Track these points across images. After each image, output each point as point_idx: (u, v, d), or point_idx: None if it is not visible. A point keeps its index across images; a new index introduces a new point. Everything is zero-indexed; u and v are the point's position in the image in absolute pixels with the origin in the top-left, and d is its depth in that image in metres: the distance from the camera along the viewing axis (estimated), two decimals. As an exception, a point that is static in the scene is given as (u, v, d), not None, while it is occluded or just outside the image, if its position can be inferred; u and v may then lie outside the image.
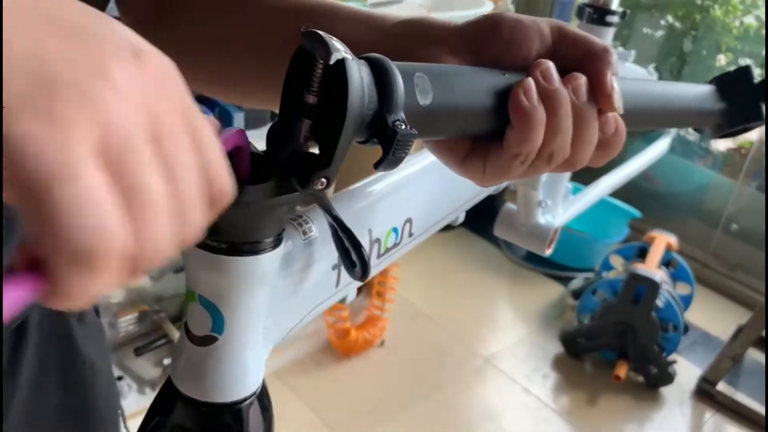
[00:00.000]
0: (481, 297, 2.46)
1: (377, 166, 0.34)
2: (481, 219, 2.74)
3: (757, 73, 0.50)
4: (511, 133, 0.36)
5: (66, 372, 0.63)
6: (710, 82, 0.51)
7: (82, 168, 0.20)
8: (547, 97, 0.36)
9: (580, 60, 0.38)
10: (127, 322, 1.81)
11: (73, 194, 0.20)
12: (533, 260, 2.63)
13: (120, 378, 1.72)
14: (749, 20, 2.64)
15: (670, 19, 2.83)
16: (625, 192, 2.56)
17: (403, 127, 0.32)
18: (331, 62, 0.30)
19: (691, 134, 2.81)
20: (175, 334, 1.82)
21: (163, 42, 0.54)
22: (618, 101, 0.38)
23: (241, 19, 0.50)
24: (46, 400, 0.62)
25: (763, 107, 0.50)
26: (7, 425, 0.58)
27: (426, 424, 1.90)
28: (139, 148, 0.22)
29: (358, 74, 0.31)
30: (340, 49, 0.31)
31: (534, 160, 0.38)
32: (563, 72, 0.37)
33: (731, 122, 0.50)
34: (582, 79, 0.37)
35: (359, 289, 2.20)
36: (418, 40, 0.40)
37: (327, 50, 0.30)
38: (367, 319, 2.10)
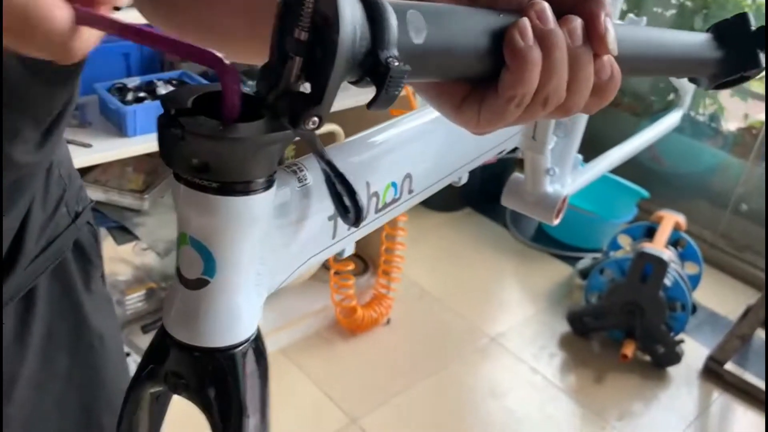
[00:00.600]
0: (488, 277, 2.46)
1: (370, 105, 0.33)
2: (488, 199, 2.74)
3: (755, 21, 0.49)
4: (507, 74, 0.36)
5: (74, 343, 0.63)
6: (707, 31, 0.50)
7: None
8: (542, 37, 0.35)
9: (574, 2, 0.37)
10: (134, 300, 1.82)
11: None
12: (540, 240, 2.62)
13: (127, 354, 1.73)
14: (761, -3, 2.60)
15: (680, -4, 2.80)
16: (633, 172, 2.56)
17: (396, 63, 0.31)
18: None
19: (701, 115, 2.78)
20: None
21: None
22: (612, 43, 0.37)
23: None
24: (55, 370, 0.62)
25: (762, 55, 0.48)
26: (16, 395, 0.58)
27: (431, 401, 1.91)
28: None
29: (350, 8, 0.31)
30: None
31: (529, 103, 0.37)
32: (557, 15, 0.37)
33: (728, 71, 0.49)
34: (577, 21, 0.37)
35: (365, 268, 2.20)
36: None
37: None
38: (373, 297, 2.09)
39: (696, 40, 0.48)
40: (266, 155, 0.34)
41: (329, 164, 0.36)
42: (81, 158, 1.37)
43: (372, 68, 0.32)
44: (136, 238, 1.66)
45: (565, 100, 0.38)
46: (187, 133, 0.31)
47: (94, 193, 1.67)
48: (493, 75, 0.37)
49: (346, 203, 0.37)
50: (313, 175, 0.42)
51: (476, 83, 0.38)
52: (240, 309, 0.37)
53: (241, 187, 0.34)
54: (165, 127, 0.32)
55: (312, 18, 0.31)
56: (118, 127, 1.45)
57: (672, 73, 0.50)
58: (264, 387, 0.39)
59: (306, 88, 0.33)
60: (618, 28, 0.39)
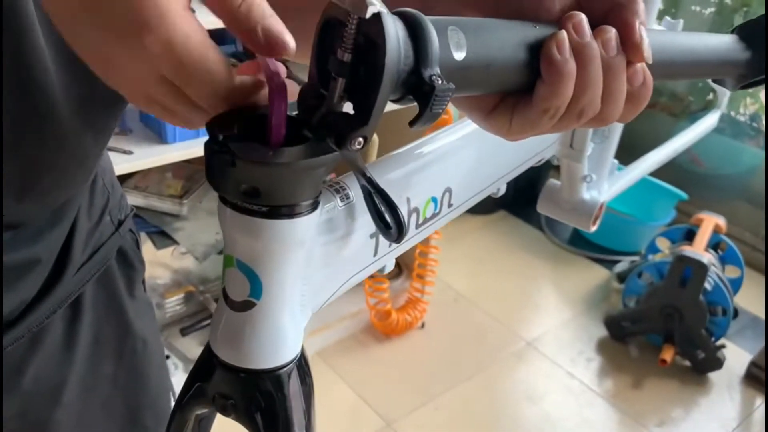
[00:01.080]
0: (524, 280, 2.44)
1: (413, 123, 0.33)
2: (523, 202, 2.71)
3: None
4: (542, 86, 0.36)
5: (119, 348, 0.65)
6: (732, 32, 0.49)
7: None
8: (578, 50, 0.35)
9: (607, 11, 0.37)
10: (173, 303, 1.84)
11: None
12: (577, 243, 2.59)
13: (167, 357, 1.76)
14: (805, -6, 2.53)
15: (720, -5, 2.74)
16: (671, 174, 2.51)
17: (440, 81, 0.31)
18: (367, 16, 0.30)
19: (741, 114, 2.72)
20: (219, 314, 1.85)
21: None
22: (647, 51, 0.37)
23: None
24: (101, 374, 0.63)
25: None
26: (65, 399, 0.59)
27: (467, 406, 1.90)
28: None
29: (394, 29, 0.31)
30: (375, 4, 0.30)
31: (564, 114, 0.37)
32: (591, 24, 0.37)
33: (754, 71, 0.49)
34: (612, 32, 0.36)
35: (399, 272, 2.20)
36: None
37: (362, 4, 0.30)
38: (407, 301, 2.09)
39: (721, 42, 0.48)
40: (312, 178, 0.34)
41: (370, 181, 0.37)
42: (122, 165, 1.40)
43: (416, 86, 0.32)
44: (175, 242, 1.69)
45: (601, 110, 0.38)
46: (237, 159, 0.32)
47: (135, 199, 1.71)
48: (527, 85, 0.37)
49: (388, 220, 0.37)
50: (355, 193, 0.42)
51: (509, 92, 0.38)
52: (285, 330, 0.37)
53: (287, 210, 0.34)
54: (214, 153, 0.32)
55: (355, 39, 0.31)
56: (158, 134, 1.48)
57: (699, 76, 0.50)
58: (309, 405, 0.40)
59: (348, 108, 0.34)
60: (649, 35, 0.39)
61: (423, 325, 2.13)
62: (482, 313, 2.24)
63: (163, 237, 1.70)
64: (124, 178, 1.68)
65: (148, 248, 1.72)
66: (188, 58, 0.30)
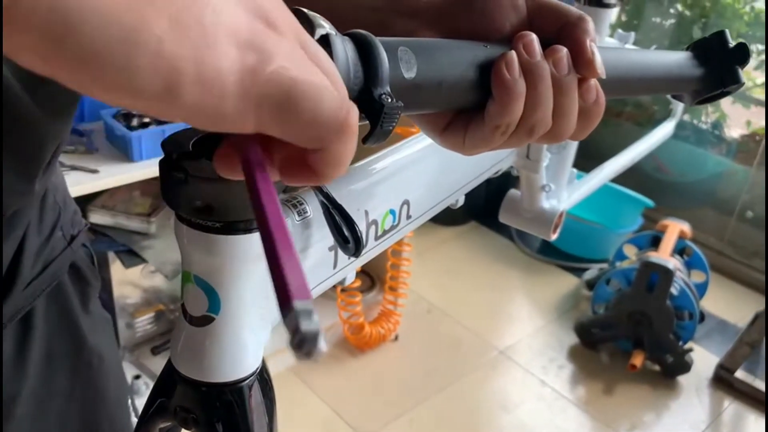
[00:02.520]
0: (495, 290, 2.46)
1: (365, 140, 0.34)
2: (493, 213, 2.73)
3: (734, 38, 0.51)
4: (492, 105, 0.37)
5: (74, 362, 0.65)
6: (687, 48, 0.51)
7: None
8: (528, 70, 0.36)
9: (558, 30, 0.38)
10: (144, 322, 1.83)
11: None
12: (547, 252, 2.62)
13: (137, 377, 1.74)
14: (759, 5, 2.61)
15: (679, 7, 2.81)
16: (638, 182, 2.56)
17: (390, 100, 0.33)
18: (315, 38, 0.31)
19: (703, 122, 2.79)
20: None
21: None
22: (600, 67, 0.38)
23: None
24: (55, 388, 0.63)
25: (740, 70, 0.50)
26: (18, 412, 0.59)
27: (442, 417, 1.91)
28: None
29: (343, 50, 0.32)
30: (324, 26, 0.31)
31: (515, 131, 0.38)
32: (542, 43, 0.38)
33: (709, 87, 0.50)
34: (563, 52, 0.37)
35: (372, 284, 2.21)
36: (393, 14, 0.40)
37: (311, 26, 0.31)
38: (380, 314, 2.10)
39: (676, 58, 0.49)
40: None
41: (327, 197, 0.38)
42: (88, 184, 1.39)
43: (367, 105, 0.33)
44: (143, 261, 1.68)
45: (552, 127, 0.39)
46: (189, 176, 0.33)
47: (102, 218, 1.69)
48: (479, 103, 0.38)
49: (346, 234, 0.38)
50: (313, 207, 0.43)
51: (462, 109, 0.39)
52: (245, 344, 0.38)
53: (242, 226, 0.35)
54: (168, 171, 0.33)
55: None
56: (124, 153, 1.47)
57: (655, 92, 0.52)
58: (271, 415, 0.40)
59: None
60: (601, 51, 0.40)
61: (396, 338, 2.14)
62: (455, 323, 2.25)
63: (131, 256, 1.69)
64: (91, 198, 1.67)
65: (116, 267, 1.71)
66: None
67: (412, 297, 2.19)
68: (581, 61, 0.37)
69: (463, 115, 0.39)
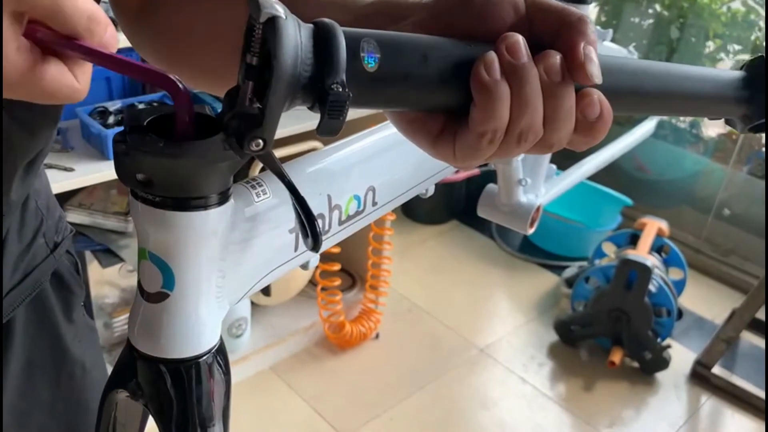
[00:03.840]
0: (476, 288, 2.47)
1: (317, 130, 0.34)
2: (474, 211, 2.75)
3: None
4: (474, 110, 0.35)
5: (55, 373, 0.63)
6: (741, 68, 0.46)
7: None
8: (511, 72, 0.34)
9: (556, 32, 0.36)
10: (121, 322, 1.82)
11: None
12: (527, 250, 2.63)
13: (115, 377, 1.72)
14: (736, 5, 2.65)
15: (657, 7, 2.84)
16: (616, 180, 2.58)
17: (339, 89, 0.32)
18: (261, 20, 0.31)
19: (682, 121, 2.82)
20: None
21: (152, 37, 0.54)
22: (593, 72, 0.35)
23: (213, 8, 0.50)
24: (37, 399, 0.62)
25: None
26: None
27: (423, 415, 1.91)
28: None
29: (293, 33, 0.31)
30: (274, 8, 0.31)
31: (504, 139, 0.36)
32: (540, 46, 0.36)
33: (762, 113, 0.45)
34: (556, 57, 0.35)
35: (353, 283, 2.21)
36: (387, 18, 0.39)
37: (257, 8, 0.31)
38: (361, 312, 2.10)
39: (722, 77, 0.44)
40: (216, 172, 0.35)
41: (289, 186, 0.37)
42: (64, 182, 1.38)
43: (317, 93, 0.32)
44: (121, 260, 1.67)
45: (545, 137, 0.37)
46: (130, 148, 0.33)
47: (79, 217, 1.68)
48: (465, 108, 0.36)
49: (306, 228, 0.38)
50: (272, 189, 0.43)
51: (450, 117, 0.37)
52: (201, 321, 0.38)
53: (194, 203, 0.35)
54: (114, 142, 0.34)
55: (261, 43, 0.32)
56: (100, 151, 1.46)
57: (696, 113, 0.46)
58: (227, 396, 0.41)
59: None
60: (617, 60, 0.38)
61: (377, 336, 2.14)
62: (436, 321, 2.26)
63: (109, 255, 1.68)
64: (67, 196, 1.66)
65: (94, 267, 1.70)
66: None
67: (393, 295, 2.19)
68: (573, 66, 0.35)
69: (452, 124, 0.37)
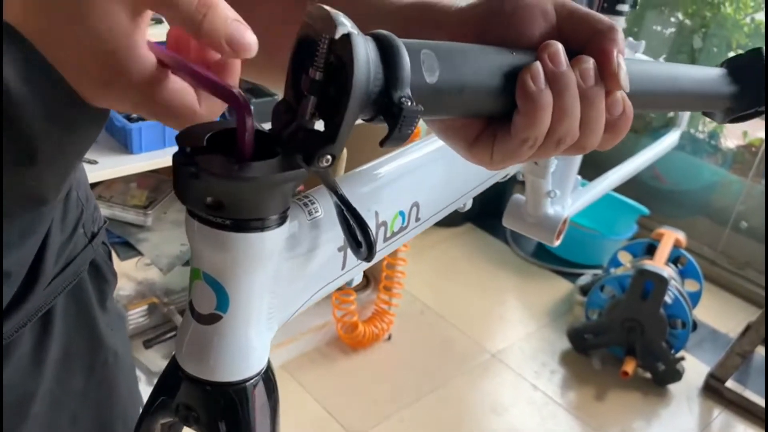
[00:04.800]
0: (489, 293, 2.46)
1: (383, 143, 0.33)
2: (489, 215, 2.73)
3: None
4: (518, 117, 0.36)
5: (90, 360, 0.64)
6: (721, 65, 0.50)
7: None
8: (554, 80, 0.36)
9: (587, 39, 0.37)
10: (136, 315, 1.82)
11: None
12: (541, 257, 2.62)
13: (128, 370, 1.73)
14: (760, 17, 2.62)
15: (680, 16, 2.81)
16: (634, 189, 2.57)
17: (409, 103, 0.32)
18: (336, 36, 0.30)
19: (700, 132, 2.79)
20: (183, 326, 1.82)
21: None
22: (624, 80, 0.37)
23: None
24: (71, 387, 0.62)
25: None
26: (33, 412, 0.58)
27: (433, 417, 1.90)
28: None
29: (364, 49, 0.31)
30: (346, 24, 0.30)
31: (542, 144, 0.37)
32: (569, 52, 0.37)
33: (742, 105, 0.49)
34: (590, 62, 0.37)
35: (366, 284, 2.20)
36: (419, 24, 0.40)
37: (332, 25, 0.30)
38: (374, 313, 2.10)
39: (709, 74, 0.48)
40: (280, 193, 0.34)
41: (342, 199, 0.37)
42: (87, 174, 1.38)
43: (386, 108, 0.32)
44: (139, 253, 1.67)
45: (580, 139, 0.38)
46: (201, 171, 0.32)
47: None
48: (506, 113, 0.37)
49: (359, 238, 0.37)
50: (324, 207, 0.43)
51: (489, 121, 0.38)
52: (252, 343, 0.37)
53: (255, 224, 0.34)
54: (180, 165, 0.33)
55: (326, 58, 0.32)
56: (124, 144, 1.46)
57: (686, 108, 0.51)
58: (274, 418, 0.40)
59: (320, 126, 0.34)
60: (631, 64, 0.39)
61: (390, 337, 2.13)
62: (448, 325, 2.25)
63: (127, 248, 1.68)
64: (87, 188, 1.66)
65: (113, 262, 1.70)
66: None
67: (406, 297, 2.19)
68: (607, 73, 0.37)
69: (490, 128, 0.38)
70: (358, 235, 0.37)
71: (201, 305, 0.36)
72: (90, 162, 1.40)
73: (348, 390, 1.95)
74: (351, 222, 0.37)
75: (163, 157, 1.46)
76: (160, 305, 1.84)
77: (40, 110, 0.34)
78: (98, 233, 0.63)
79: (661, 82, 0.44)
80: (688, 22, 2.79)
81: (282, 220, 0.36)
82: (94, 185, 1.67)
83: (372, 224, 0.47)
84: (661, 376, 2.07)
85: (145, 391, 0.45)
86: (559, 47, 0.36)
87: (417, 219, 0.53)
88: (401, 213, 0.51)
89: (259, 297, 0.37)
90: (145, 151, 1.45)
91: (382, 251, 0.50)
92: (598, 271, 2.43)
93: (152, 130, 1.45)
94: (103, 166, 1.41)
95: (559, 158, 0.93)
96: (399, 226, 0.51)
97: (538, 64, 0.36)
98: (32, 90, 0.33)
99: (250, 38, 0.33)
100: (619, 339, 2.08)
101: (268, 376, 0.40)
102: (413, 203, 0.52)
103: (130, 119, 1.46)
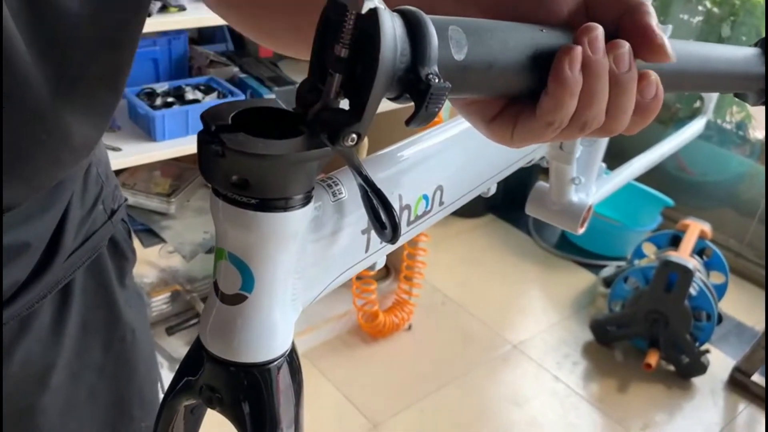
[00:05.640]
0: (511, 284, 2.45)
1: (409, 122, 0.33)
2: (511, 206, 2.72)
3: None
4: (546, 99, 0.35)
5: (108, 335, 0.65)
6: (755, 44, 0.49)
7: None
8: (588, 65, 0.35)
9: (617, 17, 0.36)
10: (159, 302, 1.83)
11: None
12: (564, 248, 2.60)
13: (151, 356, 1.74)
14: (791, 4, 2.56)
15: (708, 4, 2.76)
16: (658, 180, 2.53)
17: (437, 80, 0.31)
18: (363, 11, 0.30)
19: (728, 122, 2.75)
20: (206, 314, 1.84)
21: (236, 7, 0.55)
22: (671, 51, 0.36)
23: None
24: (89, 361, 0.64)
25: None
26: (53, 383, 0.60)
27: (453, 408, 1.90)
28: None
29: (391, 25, 0.30)
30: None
31: (567, 126, 0.36)
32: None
33: None
34: (626, 48, 0.35)
35: (387, 273, 2.20)
36: (451, 1, 0.39)
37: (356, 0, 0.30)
38: (394, 303, 2.10)
39: (743, 54, 0.47)
40: (305, 172, 0.34)
41: (367, 180, 0.36)
42: (111, 161, 1.39)
43: (412, 85, 0.32)
44: (162, 240, 1.68)
45: (606, 123, 0.37)
46: (227, 149, 0.32)
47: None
48: (532, 93, 0.36)
49: (383, 220, 0.37)
50: (348, 188, 0.42)
51: (512, 100, 0.37)
52: (276, 324, 0.37)
53: (280, 204, 0.34)
54: (205, 143, 0.32)
55: (352, 34, 0.31)
56: (147, 132, 1.47)
57: (718, 89, 0.49)
58: (299, 401, 0.40)
59: (345, 104, 0.33)
60: None
61: (410, 327, 2.13)
62: (469, 315, 2.24)
63: (150, 235, 1.69)
64: (111, 176, 1.67)
65: (135, 246, 1.71)
66: None
67: (426, 287, 2.18)
68: (651, 47, 0.35)
69: (513, 106, 0.37)
70: (382, 216, 0.36)
71: (226, 285, 0.36)
72: (114, 149, 1.41)
73: (368, 379, 1.96)
74: (375, 203, 0.36)
75: (186, 145, 1.46)
76: (183, 292, 1.86)
77: None
78: (117, 210, 0.64)
79: (692, 61, 0.43)
80: (716, 10, 2.74)
81: (306, 201, 0.35)
82: (118, 172, 1.68)
83: (396, 207, 0.47)
84: (685, 369, 2.05)
85: (167, 376, 0.45)
86: (600, 31, 0.35)
87: (441, 203, 0.53)
88: (425, 197, 0.50)
89: (283, 277, 0.37)
90: (168, 139, 1.46)
91: (405, 235, 0.50)
92: (622, 263, 2.41)
93: (176, 118, 1.46)
94: (126, 153, 1.42)
95: (584, 144, 0.92)
96: (423, 209, 0.50)
97: (578, 49, 0.34)
98: None
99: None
100: (643, 331, 2.06)
101: (292, 359, 0.39)
102: (437, 187, 0.51)
103: (153, 107, 1.47)
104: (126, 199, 0.68)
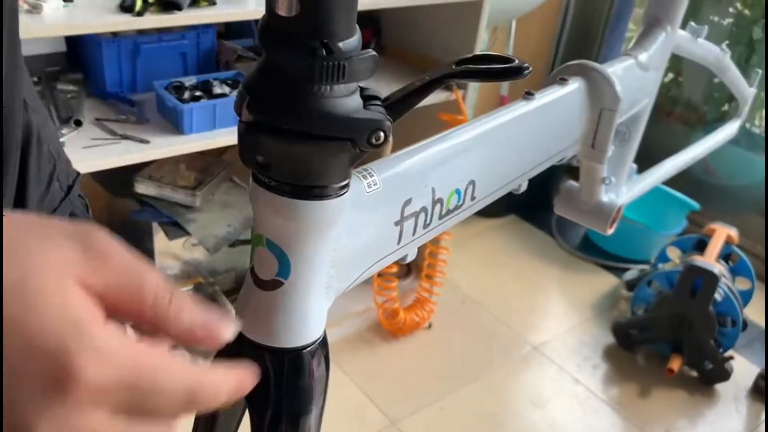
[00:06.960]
0: (532, 285, 2.43)
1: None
2: (534, 206, 2.71)
3: None
4: None
5: None
6: None
7: None
8: None
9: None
10: (181, 294, 1.85)
11: None
12: (587, 250, 2.58)
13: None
14: (824, 8, 2.52)
15: (738, 6, 2.73)
16: (684, 183, 2.50)
17: None
18: None
19: (756, 126, 2.71)
20: (229, 307, 1.85)
21: None
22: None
23: None
24: None
25: None
26: None
27: (472, 407, 1.90)
28: None
29: None
30: None
31: None
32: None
33: None
34: None
35: (408, 271, 2.20)
36: None
37: None
38: (415, 301, 2.10)
39: None
40: (341, 161, 0.34)
41: None
42: (138, 154, 1.41)
43: None
44: (187, 233, 1.69)
45: None
46: (249, 129, 0.32)
47: (148, 189, 1.71)
48: None
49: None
50: (382, 179, 0.43)
51: None
52: (311, 311, 0.38)
53: (318, 192, 0.34)
54: (247, 129, 0.33)
55: None
56: (175, 125, 1.48)
57: None
58: (325, 386, 0.40)
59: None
60: None
61: (430, 326, 2.13)
62: (490, 315, 2.23)
63: (175, 228, 1.71)
64: (138, 167, 1.69)
65: (160, 238, 1.73)
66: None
67: (447, 286, 2.18)
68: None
69: None
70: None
71: (263, 271, 0.37)
72: (142, 141, 1.43)
73: (388, 376, 1.96)
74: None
75: (213, 139, 1.48)
76: (206, 285, 1.87)
77: None
78: (73, 185, 0.66)
79: None
80: (747, 12, 2.71)
81: (344, 189, 0.36)
82: (144, 165, 1.70)
83: (428, 200, 0.47)
84: (708, 375, 2.03)
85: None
86: None
87: (473, 198, 0.53)
88: (457, 191, 0.50)
89: (319, 265, 0.37)
90: (195, 132, 1.47)
91: (436, 229, 0.50)
92: (645, 266, 2.38)
93: (203, 112, 1.47)
94: (154, 146, 1.43)
95: (616, 144, 0.91)
96: (455, 204, 0.50)
97: None
98: None
99: (224, 326, 0.31)
100: (666, 335, 2.04)
101: (324, 346, 0.40)
102: (469, 181, 0.51)
103: (181, 100, 1.48)
104: (79, 174, 0.69)
